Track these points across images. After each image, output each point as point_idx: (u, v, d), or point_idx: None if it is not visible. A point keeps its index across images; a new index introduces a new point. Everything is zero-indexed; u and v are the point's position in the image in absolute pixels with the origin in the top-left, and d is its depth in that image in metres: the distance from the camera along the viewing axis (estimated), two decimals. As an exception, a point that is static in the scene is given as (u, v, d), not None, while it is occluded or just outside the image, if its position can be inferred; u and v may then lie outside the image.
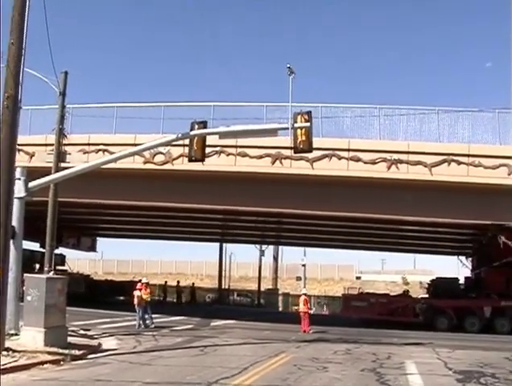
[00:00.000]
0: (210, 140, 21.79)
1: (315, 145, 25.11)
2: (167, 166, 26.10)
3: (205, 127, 17.55)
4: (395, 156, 25.49)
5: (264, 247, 61.84)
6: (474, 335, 31.01)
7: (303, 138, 17.32)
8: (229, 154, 25.91)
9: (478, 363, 17.97)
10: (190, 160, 18.44)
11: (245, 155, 25.79)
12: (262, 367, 15.33)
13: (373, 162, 25.53)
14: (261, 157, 25.70)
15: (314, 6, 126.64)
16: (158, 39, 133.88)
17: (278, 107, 25.31)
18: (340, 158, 25.57)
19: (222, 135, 18.63)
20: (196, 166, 25.15)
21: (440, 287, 37.35)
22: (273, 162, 25.66)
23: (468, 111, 26.40)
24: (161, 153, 26.03)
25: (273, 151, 25.36)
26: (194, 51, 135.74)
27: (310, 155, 25.29)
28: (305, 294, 30.54)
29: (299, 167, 25.52)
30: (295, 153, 19.42)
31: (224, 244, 63.17)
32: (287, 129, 18.14)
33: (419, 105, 26.91)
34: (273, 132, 18.54)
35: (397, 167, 25.51)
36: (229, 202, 27.26)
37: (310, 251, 59.79)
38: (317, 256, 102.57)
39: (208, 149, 25.10)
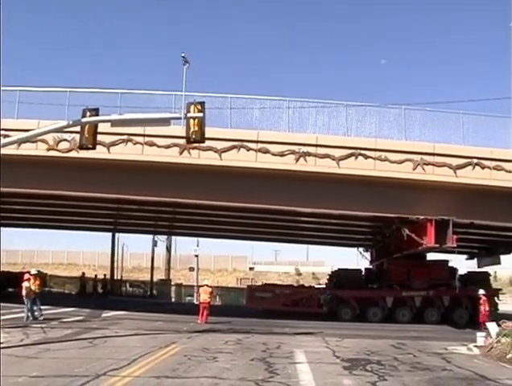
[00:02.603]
0: (117, 128, 21.36)
1: (224, 136, 25.41)
2: (72, 154, 25.25)
3: (97, 114, 17.12)
4: (304, 149, 25.60)
5: (163, 238, 61.81)
6: (365, 324, 32.16)
7: (196, 128, 17.15)
8: (136, 143, 25.34)
9: (365, 351, 18.70)
10: (81, 147, 18.00)
11: (152, 144, 25.28)
12: (152, 358, 15.32)
13: (282, 154, 25.57)
14: (169, 146, 25.25)
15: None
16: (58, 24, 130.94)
17: (187, 97, 24.87)
18: (248, 149, 25.47)
19: (114, 123, 18.17)
20: (103, 155, 24.81)
21: (343, 278, 38.14)
22: (181, 152, 25.30)
23: (376, 106, 26.96)
24: (66, 140, 25.22)
25: (181, 141, 24.92)
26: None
27: (218, 146, 25.26)
28: (207, 285, 30.63)
29: (208, 158, 25.28)
30: (187, 143, 19.30)
31: (117, 234, 61.73)
32: (180, 118, 17.91)
33: (328, 99, 27.22)
34: (165, 121, 18.28)
35: (305, 160, 25.64)
36: (131, 191, 26.70)
37: (204, 241, 59.95)
38: (211, 247, 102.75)
39: (114, 138, 24.95)
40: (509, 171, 25.88)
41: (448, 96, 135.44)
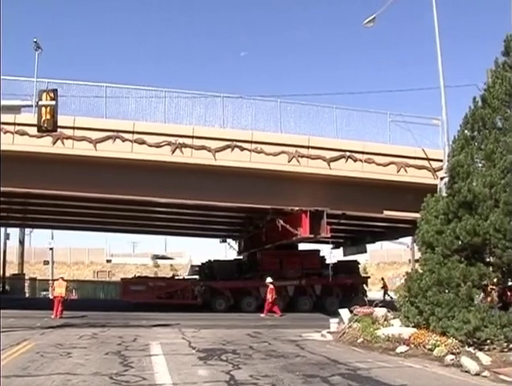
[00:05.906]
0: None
1: (98, 126, 24.82)
2: None
3: None
4: (180, 140, 25.51)
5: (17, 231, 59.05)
6: (226, 315, 32.67)
7: (48, 117, 16.62)
8: (6, 132, 24.06)
9: (221, 341, 18.86)
10: None
11: (23, 133, 24.04)
12: (2, 358, 14.35)
13: (158, 146, 25.36)
14: (42, 136, 24.17)
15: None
16: None
17: (61, 84, 23.96)
18: (124, 140, 24.96)
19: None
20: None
21: (217, 269, 38.46)
22: (54, 142, 24.38)
23: (251, 99, 27.32)
24: None
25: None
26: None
27: (93, 136, 24.69)
28: (62, 278, 30.11)
29: (82, 148, 24.59)
30: (38, 132, 18.57)
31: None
32: (31, 106, 17.30)
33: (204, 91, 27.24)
34: (15, 109, 17.58)
35: (181, 151, 25.58)
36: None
37: (60, 234, 57.99)
38: (68, 240, 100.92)
39: (-20, 126, 23.53)
40: (379, 164, 27.18)
41: (321, 89, 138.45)
